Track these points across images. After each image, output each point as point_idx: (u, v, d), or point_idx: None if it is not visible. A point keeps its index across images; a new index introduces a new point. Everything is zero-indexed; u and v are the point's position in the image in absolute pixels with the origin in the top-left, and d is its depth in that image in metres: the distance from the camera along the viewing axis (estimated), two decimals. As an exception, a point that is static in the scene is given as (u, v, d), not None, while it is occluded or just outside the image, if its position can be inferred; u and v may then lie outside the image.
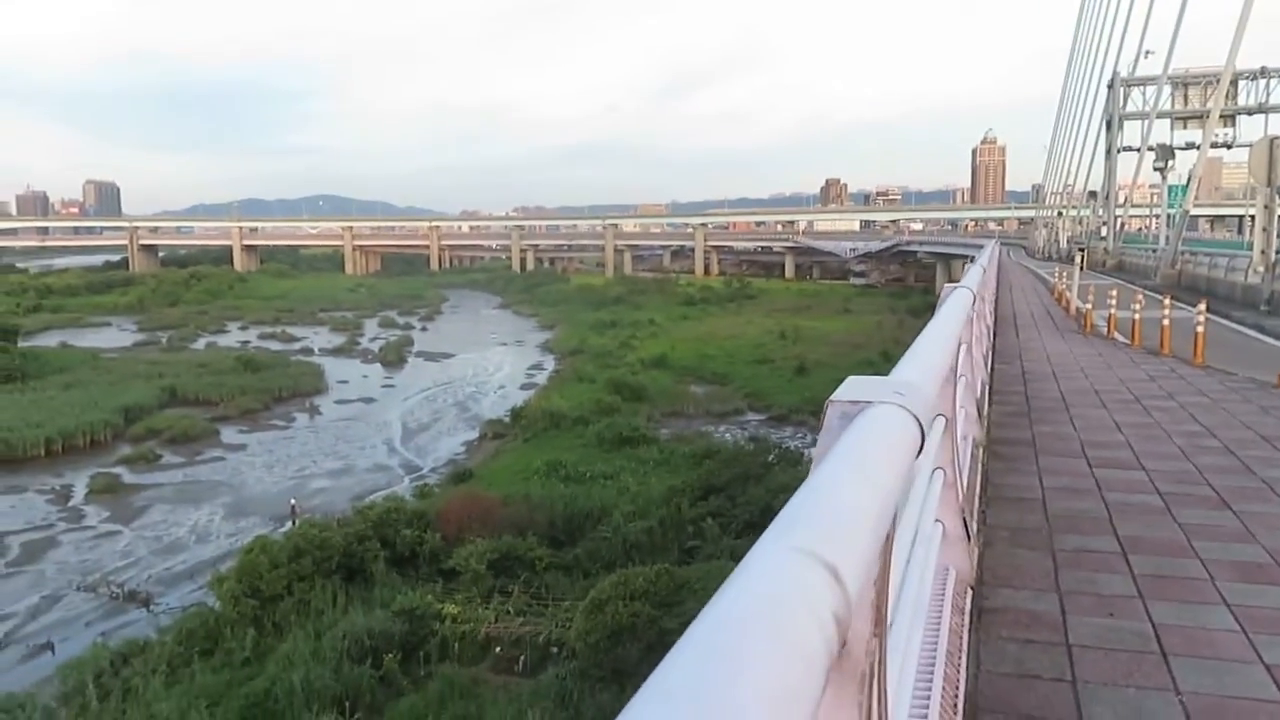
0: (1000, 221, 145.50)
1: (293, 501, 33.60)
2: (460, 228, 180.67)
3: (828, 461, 1.43)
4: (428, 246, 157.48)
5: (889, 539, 1.50)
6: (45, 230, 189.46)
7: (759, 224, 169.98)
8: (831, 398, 1.79)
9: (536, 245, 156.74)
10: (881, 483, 1.42)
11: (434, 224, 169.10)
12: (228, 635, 21.29)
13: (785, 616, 0.90)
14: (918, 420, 1.79)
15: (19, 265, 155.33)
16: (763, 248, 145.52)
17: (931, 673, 2.78)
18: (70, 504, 34.67)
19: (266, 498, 35.30)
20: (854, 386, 1.88)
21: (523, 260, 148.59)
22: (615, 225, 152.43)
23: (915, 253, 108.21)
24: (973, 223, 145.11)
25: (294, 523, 28.96)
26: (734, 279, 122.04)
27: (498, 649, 20.12)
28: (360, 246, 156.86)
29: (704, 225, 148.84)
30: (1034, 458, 7.08)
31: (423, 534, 25.76)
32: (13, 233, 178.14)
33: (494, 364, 67.27)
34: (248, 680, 19.19)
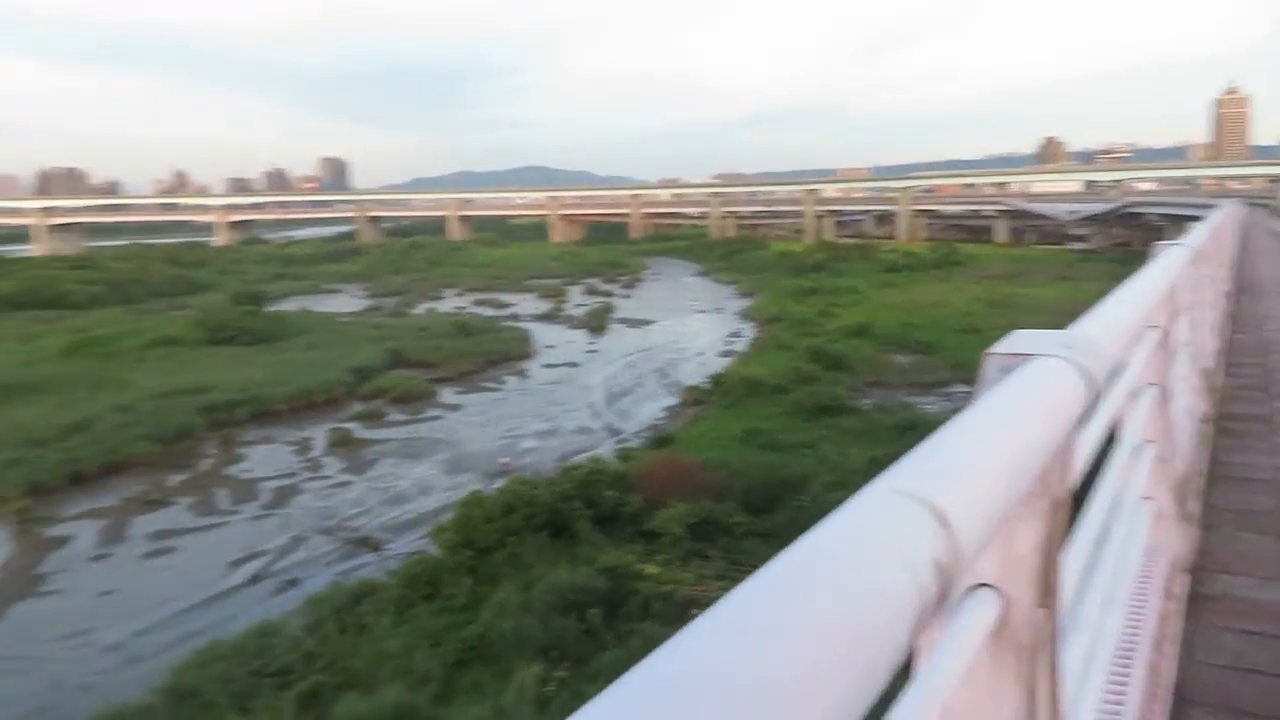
0: (1245, 179, 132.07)
1: (504, 460, 35.55)
2: (660, 195, 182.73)
3: (966, 413, 1.35)
4: (629, 215, 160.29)
5: (1056, 506, 1.46)
6: (286, 204, 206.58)
7: (968, 186, 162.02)
8: (990, 349, 1.68)
9: (736, 212, 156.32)
10: (1025, 437, 1.33)
11: (635, 192, 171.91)
12: (447, 582, 22.92)
13: (869, 553, 0.90)
14: (1087, 377, 1.65)
15: (265, 237, 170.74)
16: (972, 211, 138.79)
17: (1130, 658, 2.74)
18: (311, 455, 38.12)
19: (480, 455, 37.49)
20: (1018, 339, 1.77)
21: (722, 227, 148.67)
22: (815, 190, 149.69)
23: (1143, 215, 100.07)
24: (1212, 181, 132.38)
25: (504, 479, 30.65)
26: (940, 244, 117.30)
27: (694, 611, 20.66)
28: (564, 215, 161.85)
29: (908, 189, 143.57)
30: (1269, 435, 6.59)
31: (624, 495, 26.67)
32: (260, 207, 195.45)
33: (693, 331, 68.03)
34: (464, 625, 20.67)
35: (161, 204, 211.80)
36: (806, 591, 0.78)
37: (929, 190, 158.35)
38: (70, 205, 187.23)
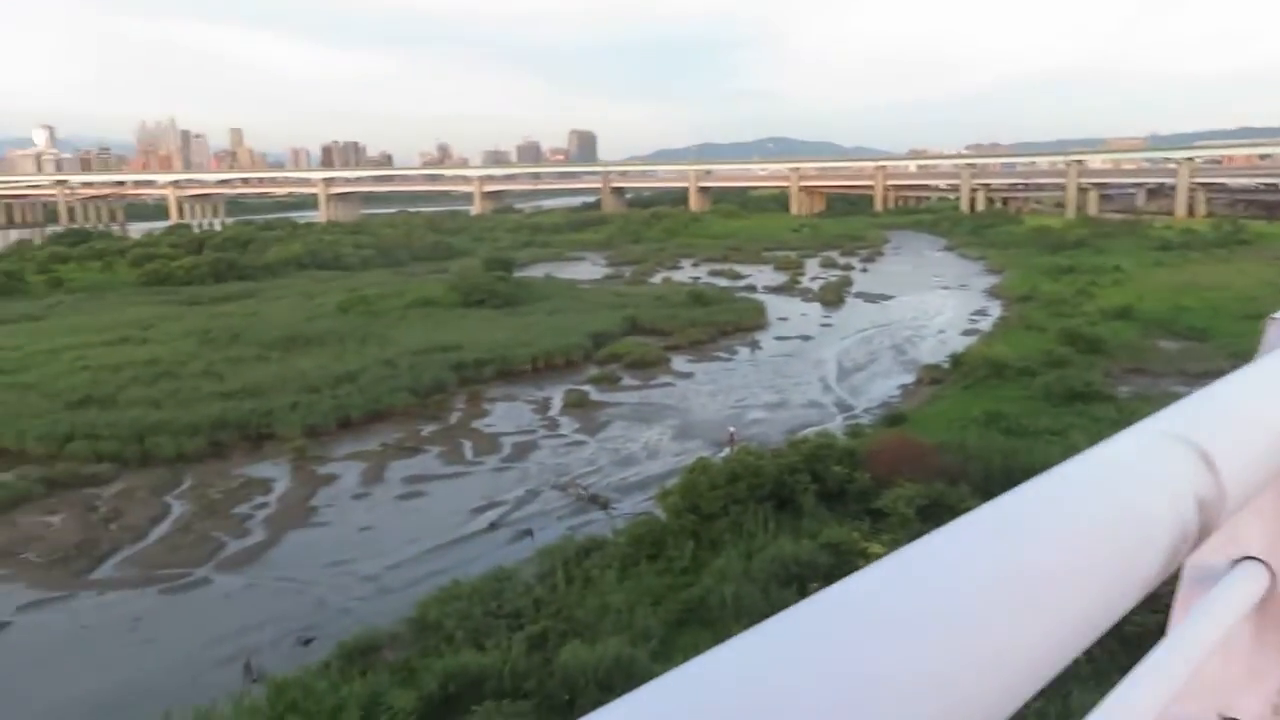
0: None
1: (731, 429, 35.68)
2: (907, 167, 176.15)
3: (1241, 369, 1.35)
4: (872, 187, 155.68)
5: None
6: (537, 175, 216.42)
7: (1263, 157, 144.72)
8: (1273, 314, 1.63)
9: (988, 184, 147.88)
10: None
11: (880, 164, 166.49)
12: (670, 544, 23.35)
13: (1127, 478, 0.90)
14: None
15: (517, 206, 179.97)
16: (1266, 184, 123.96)
17: None
18: (548, 414, 39.92)
19: (708, 423, 37.83)
20: None
21: (972, 200, 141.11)
22: (1079, 161, 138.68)
23: None
24: None
25: (732, 449, 30.73)
26: (1225, 221, 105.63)
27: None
28: (805, 187, 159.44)
29: (1190, 159, 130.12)
30: None
31: (852, 472, 26.06)
32: (512, 178, 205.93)
33: (934, 308, 65.27)
34: (685, 586, 21.00)
35: (426, 175, 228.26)
36: (1068, 502, 0.81)
37: (1215, 161, 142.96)
38: (348, 176, 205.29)
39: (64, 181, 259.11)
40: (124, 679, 19.54)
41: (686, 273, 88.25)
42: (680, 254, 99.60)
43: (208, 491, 30.73)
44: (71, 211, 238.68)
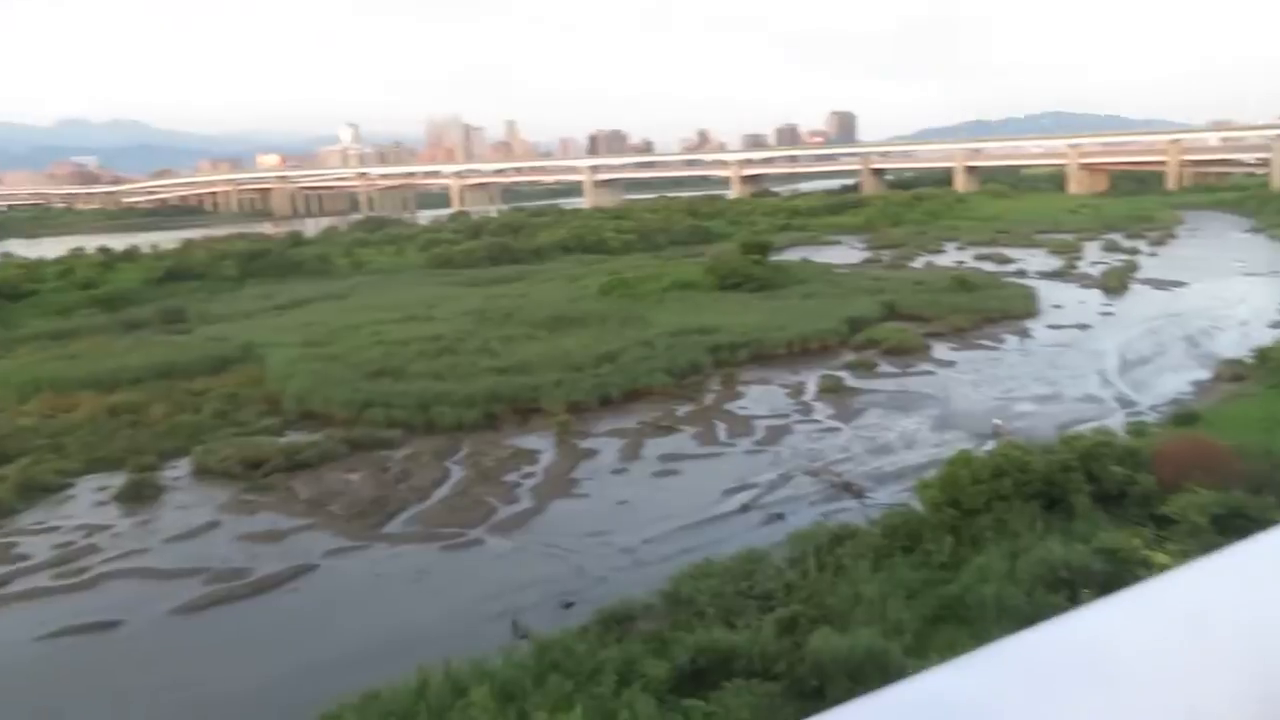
0: None
1: (996, 421, 33.87)
2: (1207, 140, 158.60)
3: None
4: (1164, 162, 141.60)
5: None
6: (794, 158, 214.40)
7: None
8: None
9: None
10: None
11: (1174, 137, 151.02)
12: (927, 538, 22.54)
13: None
14: None
15: (774, 190, 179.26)
16: None
17: None
18: (802, 398, 39.65)
19: (970, 414, 36.12)
20: None
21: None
22: None
23: None
24: None
25: (997, 442, 29.19)
26: None
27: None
28: (1086, 165, 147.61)
29: None
30: None
31: (1134, 473, 23.98)
32: (769, 161, 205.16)
33: (1236, 296, 58.56)
34: (942, 583, 20.22)
35: (685, 160, 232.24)
36: None
37: None
38: (611, 163, 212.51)
39: (364, 174, 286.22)
40: (410, 622, 21.58)
41: (950, 256, 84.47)
42: (943, 237, 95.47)
43: (482, 459, 33.13)
44: (370, 200, 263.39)
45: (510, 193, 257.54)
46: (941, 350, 47.53)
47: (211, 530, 27.76)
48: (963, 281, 62.45)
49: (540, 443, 35.03)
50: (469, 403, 38.15)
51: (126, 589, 23.99)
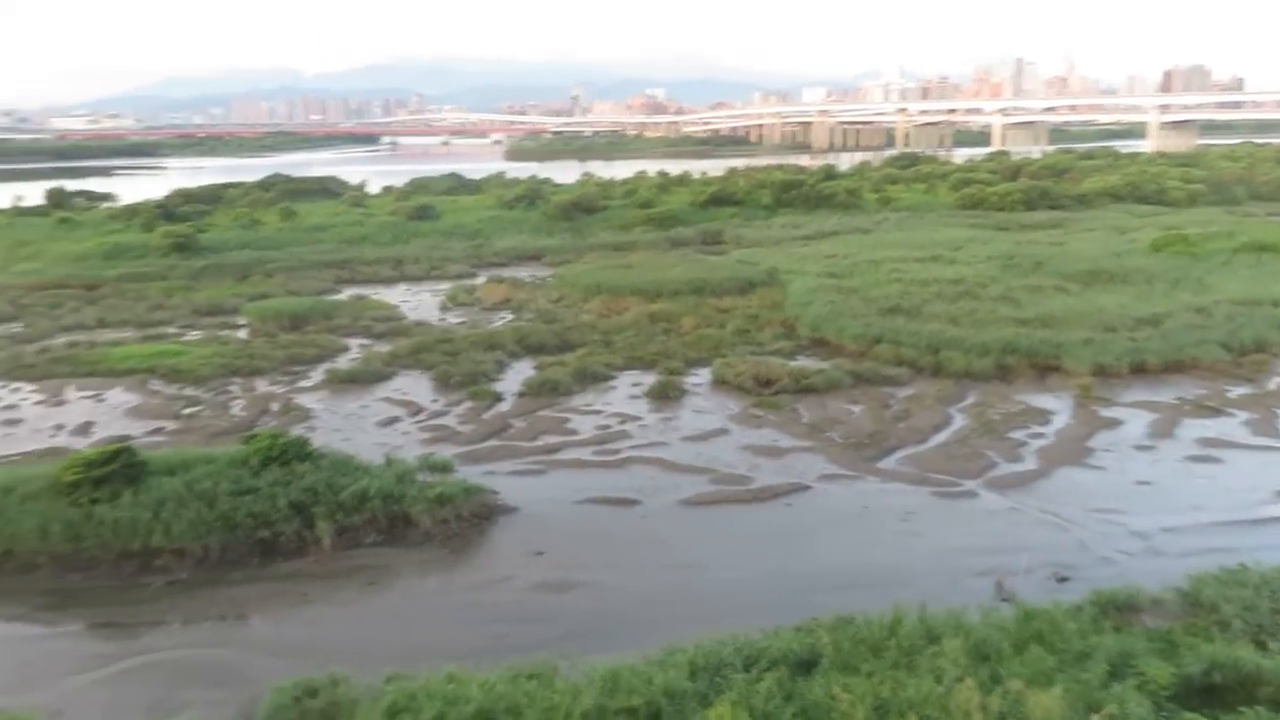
0: None
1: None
2: None
3: None
4: None
5: None
6: None
7: None
8: None
9: None
10: None
11: None
12: None
13: None
14: None
15: None
16: None
17: None
18: None
19: None
20: None
21: None
22: None
23: None
24: None
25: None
26: None
27: None
28: None
29: None
30: None
31: None
32: None
33: None
34: None
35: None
36: None
37: None
38: (1185, 102, 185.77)
39: (903, 109, 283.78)
40: (889, 558, 21.68)
41: None
42: None
43: (987, 411, 31.72)
44: (907, 136, 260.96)
45: (1059, 133, 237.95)
46: None
47: (721, 436, 30.22)
48: None
49: (1055, 403, 32.55)
50: (982, 351, 36.59)
51: (646, 474, 27.17)
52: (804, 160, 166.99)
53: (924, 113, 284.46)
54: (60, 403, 34.84)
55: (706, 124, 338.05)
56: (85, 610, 20.14)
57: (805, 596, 19.44)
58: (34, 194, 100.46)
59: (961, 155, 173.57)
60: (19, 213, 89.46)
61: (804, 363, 37.64)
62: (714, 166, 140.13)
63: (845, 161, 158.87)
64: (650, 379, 35.86)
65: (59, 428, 31.85)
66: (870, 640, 15.65)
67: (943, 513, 24.41)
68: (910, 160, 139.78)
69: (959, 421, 30.98)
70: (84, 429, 31.62)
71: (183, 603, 20.30)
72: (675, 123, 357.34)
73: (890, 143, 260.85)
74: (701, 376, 36.60)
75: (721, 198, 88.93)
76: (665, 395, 34.21)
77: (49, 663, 18.10)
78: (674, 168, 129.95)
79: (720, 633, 16.06)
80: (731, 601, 19.68)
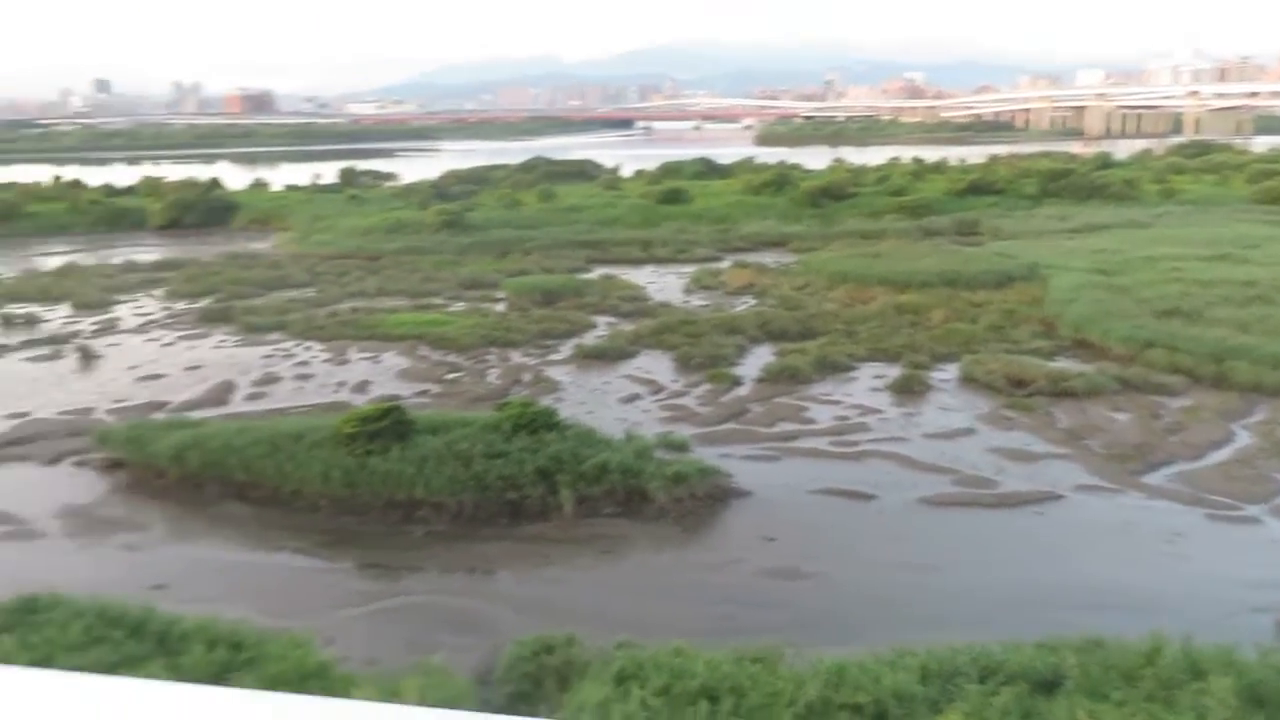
0: None
1: None
2: None
3: None
4: None
5: None
6: None
7: None
8: None
9: None
10: None
11: None
12: None
13: None
14: None
15: None
16: None
17: None
18: None
19: None
20: None
21: None
22: None
23: None
24: None
25: None
26: None
27: None
28: None
29: None
30: None
31: None
32: None
33: None
34: None
35: None
36: None
37: None
38: None
39: (1195, 92, 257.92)
40: (1149, 584, 19.93)
41: None
42: None
43: (1277, 430, 28.40)
44: (1197, 122, 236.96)
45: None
46: None
47: (966, 436, 28.88)
48: None
49: (1365, 427, 28.62)
50: (1275, 362, 32.74)
51: (884, 469, 26.46)
52: (1075, 147, 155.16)
53: (1220, 96, 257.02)
54: (344, 362, 38.53)
55: (968, 109, 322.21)
56: (356, 550, 22.32)
57: (1049, 612, 18.30)
58: (329, 173, 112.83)
59: (1262, 143, 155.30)
60: (317, 190, 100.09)
61: (1063, 364, 35.21)
62: (974, 153, 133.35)
63: (1123, 149, 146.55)
64: (894, 372, 34.82)
65: (341, 384, 35.27)
66: (1123, 667, 14.49)
67: (1217, 538, 22.16)
68: (1200, 148, 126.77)
69: (1243, 439, 27.93)
70: (361, 387, 34.85)
71: (440, 552, 22.02)
72: (933, 107, 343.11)
73: (1177, 129, 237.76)
74: (949, 373, 35.11)
75: (981, 186, 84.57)
76: (909, 389, 33.10)
77: (324, 594, 20.21)
78: (930, 154, 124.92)
79: (954, 639, 15.45)
80: (968, 608, 18.86)
